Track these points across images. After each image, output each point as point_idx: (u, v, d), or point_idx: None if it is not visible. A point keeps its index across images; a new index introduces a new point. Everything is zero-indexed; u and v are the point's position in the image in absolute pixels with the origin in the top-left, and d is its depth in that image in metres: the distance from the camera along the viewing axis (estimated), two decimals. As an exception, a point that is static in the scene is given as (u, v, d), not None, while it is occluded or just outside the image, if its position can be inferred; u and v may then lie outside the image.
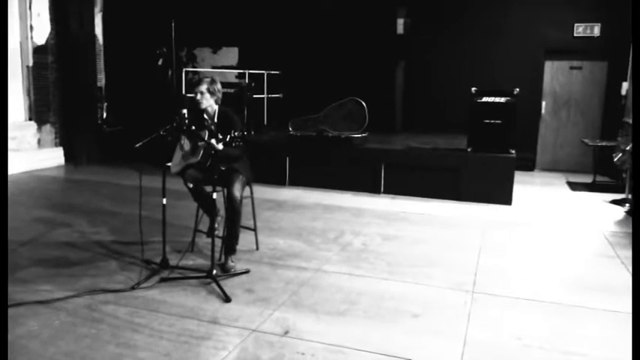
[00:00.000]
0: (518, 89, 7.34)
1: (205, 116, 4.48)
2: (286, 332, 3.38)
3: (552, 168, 10.29)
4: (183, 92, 10.00)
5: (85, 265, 4.50)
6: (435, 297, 4.03)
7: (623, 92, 9.30)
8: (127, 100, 10.81)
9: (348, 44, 10.52)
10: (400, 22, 10.42)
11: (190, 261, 4.65)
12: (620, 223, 6.43)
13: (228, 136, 3.95)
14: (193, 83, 4.67)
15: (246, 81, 10.19)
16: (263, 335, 3.34)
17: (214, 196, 4.27)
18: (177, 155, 4.65)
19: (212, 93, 4.47)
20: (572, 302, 3.97)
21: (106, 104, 10.73)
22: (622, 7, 9.26)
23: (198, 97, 4.46)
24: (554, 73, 10.15)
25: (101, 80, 10.63)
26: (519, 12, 10.00)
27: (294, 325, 3.49)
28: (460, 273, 4.54)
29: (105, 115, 10.65)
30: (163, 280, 4.15)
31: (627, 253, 5.17)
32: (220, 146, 4.05)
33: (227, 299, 3.83)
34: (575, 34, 9.80)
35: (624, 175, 7.63)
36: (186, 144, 4.54)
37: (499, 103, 7.34)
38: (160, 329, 3.38)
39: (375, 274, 4.49)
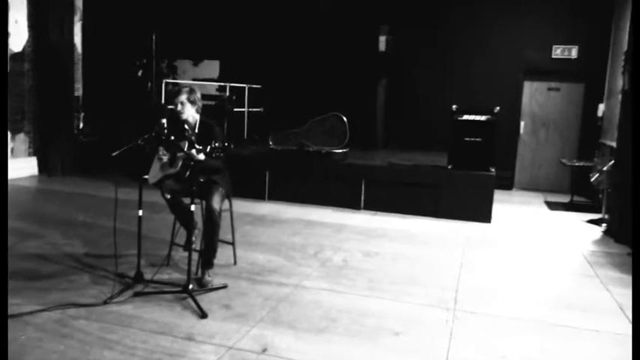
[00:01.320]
0: (498, 108, 7.39)
1: (186, 126, 4.38)
2: (264, 350, 3.28)
3: (530, 187, 10.38)
4: (163, 102, 9.88)
5: (56, 278, 4.34)
6: (417, 315, 3.97)
7: (600, 114, 9.45)
8: (105, 111, 10.63)
9: (330, 60, 10.56)
10: (382, 39, 10.49)
11: (166, 275, 4.52)
12: (598, 242, 6.47)
13: (209, 147, 3.87)
14: (172, 94, 4.58)
15: (227, 94, 10.12)
16: (240, 353, 3.23)
17: (192, 208, 4.17)
18: (156, 165, 4.54)
19: (192, 102, 4.40)
20: (555, 321, 3.94)
21: (82, 114, 10.53)
22: (599, 30, 9.45)
23: (179, 107, 4.38)
24: (533, 94, 10.29)
25: (78, 90, 10.43)
26: (500, 32, 10.13)
27: (273, 342, 3.39)
28: (441, 290, 4.49)
29: (81, 125, 10.45)
30: (137, 294, 4.02)
31: (606, 273, 5.18)
32: (202, 156, 3.97)
33: (203, 315, 3.72)
34: (553, 56, 9.96)
35: (600, 196, 7.72)
36: (164, 155, 4.43)
37: (480, 121, 7.38)
38: (133, 346, 3.25)
39: (355, 290, 4.42)
